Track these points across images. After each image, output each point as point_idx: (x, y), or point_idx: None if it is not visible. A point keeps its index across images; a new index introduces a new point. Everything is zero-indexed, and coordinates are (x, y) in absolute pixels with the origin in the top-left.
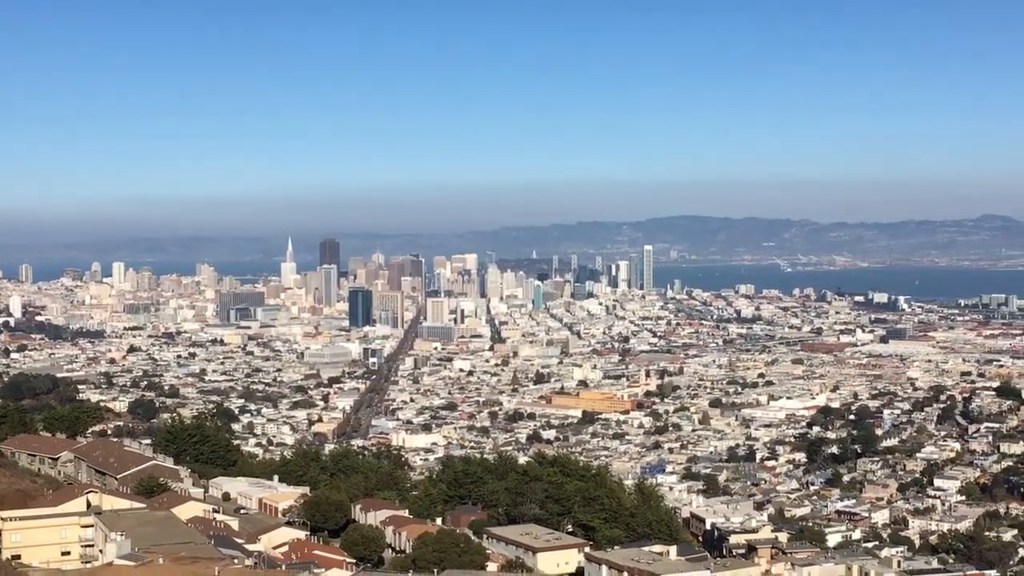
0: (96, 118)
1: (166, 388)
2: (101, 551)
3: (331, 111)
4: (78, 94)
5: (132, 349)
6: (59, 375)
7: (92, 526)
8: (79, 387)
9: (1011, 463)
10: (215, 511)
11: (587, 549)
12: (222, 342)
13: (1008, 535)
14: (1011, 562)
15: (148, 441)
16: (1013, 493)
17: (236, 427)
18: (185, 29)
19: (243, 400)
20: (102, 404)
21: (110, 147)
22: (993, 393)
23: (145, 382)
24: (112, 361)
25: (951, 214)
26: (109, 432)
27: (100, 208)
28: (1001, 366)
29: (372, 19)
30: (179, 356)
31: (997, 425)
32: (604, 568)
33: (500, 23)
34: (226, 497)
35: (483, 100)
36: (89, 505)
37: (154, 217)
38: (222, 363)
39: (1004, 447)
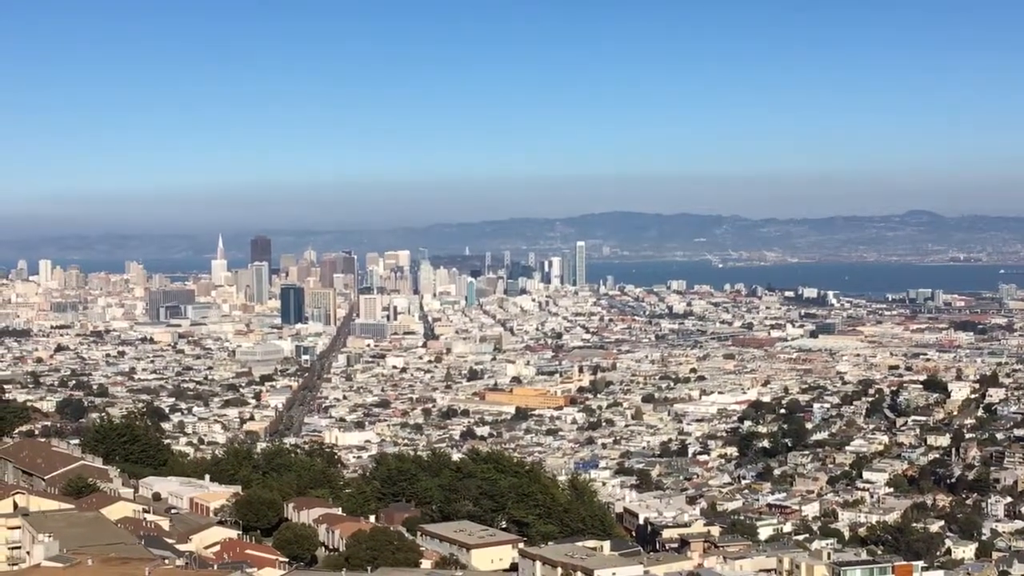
0: (19, 113)
1: (95, 387)
2: (28, 553)
3: (261, 106)
4: None
5: (60, 348)
6: None
7: (19, 528)
8: (5, 387)
9: (937, 455)
10: (145, 511)
11: (521, 545)
12: (152, 340)
13: (935, 526)
14: (938, 552)
15: (76, 441)
16: (939, 485)
17: (167, 426)
18: (108, 22)
19: (174, 399)
20: (29, 404)
21: (34, 143)
22: (920, 386)
23: (73, 381)
24: (39, 360)
25: (879, 210)
26: (36, 432)
27: (25, 205)
28: (928, 359)
29: (299, 15)
30: (108, 355)
31: (924, 418)
32: (538, 564)
33: (429, 18)
34: (156, 497)
35: (413, 96)
36: (16, 506)
37: (81, 214)
38: (152, 362)
39: (931, 439)
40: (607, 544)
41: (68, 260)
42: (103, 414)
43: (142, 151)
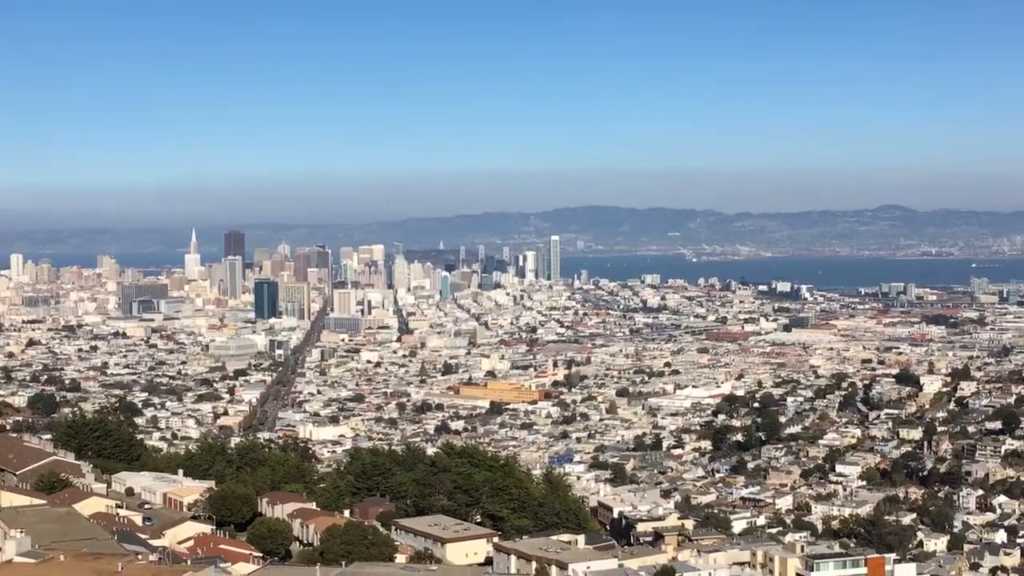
0: None
1: (67, 382)
2: (0, 549)
3: (234, 100)
4: None
5: (31, 343)
6: None
7: None
8: None
9: (909, 448)
10: (118, 506)
11: (496, 539)
12: (125, 335)
13: (907, 519)
14: (910, 545)
15: (49, 436)
16: (912, 478)
17: (140, 421)
18: (79, 18)
19: (147, 393)
20: (0, 399)
21: (5, 138)
22: (892, 380)
23: (45, 376)
24: (11, 355)
25: (851, 204)
26: (8, 427)
27: None
28: (900, 353)
29: (266, 10)
30: (80, 349)
31: (896, 411)
32: (513, 558)
33: (399, 14)
34: (130, 492)
35: (387, 90)
36: None
37: (53, 209)
38: (125, 356)
39: (903, 433)
40: (581, 538)
41: (40, 254)
42: (75, 409)
43: (114, 146)
